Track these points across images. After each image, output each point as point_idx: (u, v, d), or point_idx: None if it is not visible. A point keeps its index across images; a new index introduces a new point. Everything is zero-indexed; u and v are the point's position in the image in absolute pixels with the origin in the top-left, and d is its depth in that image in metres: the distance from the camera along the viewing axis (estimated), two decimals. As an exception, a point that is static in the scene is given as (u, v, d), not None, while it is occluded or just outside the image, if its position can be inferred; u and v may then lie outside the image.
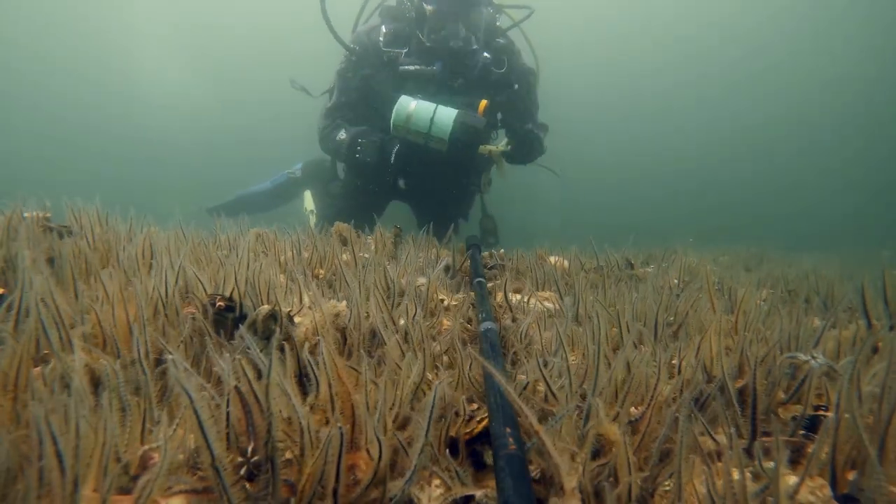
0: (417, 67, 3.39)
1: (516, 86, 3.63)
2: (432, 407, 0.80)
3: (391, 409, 0.92)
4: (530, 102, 3.78)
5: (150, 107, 20.45)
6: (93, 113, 21.91)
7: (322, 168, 4.37)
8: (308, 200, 4.64)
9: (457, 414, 0.94)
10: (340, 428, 0.72)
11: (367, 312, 1.31)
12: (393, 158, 3.14)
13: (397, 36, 3.50)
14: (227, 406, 0.80)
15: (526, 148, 3.42)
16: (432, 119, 2.89)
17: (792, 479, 0.81)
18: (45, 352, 1.03)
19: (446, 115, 2.91)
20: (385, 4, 3.79)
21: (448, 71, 3.41)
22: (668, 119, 25.00)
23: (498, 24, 3.74)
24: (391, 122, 2.90)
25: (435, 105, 2.92)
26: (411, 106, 2.88)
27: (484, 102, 3.17)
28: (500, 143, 3.53)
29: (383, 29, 3.50)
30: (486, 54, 3.50)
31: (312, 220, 4.35)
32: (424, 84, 3.42)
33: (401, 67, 3.42)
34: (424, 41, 3.39)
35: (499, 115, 3.80)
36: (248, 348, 0.90)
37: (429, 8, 3.32)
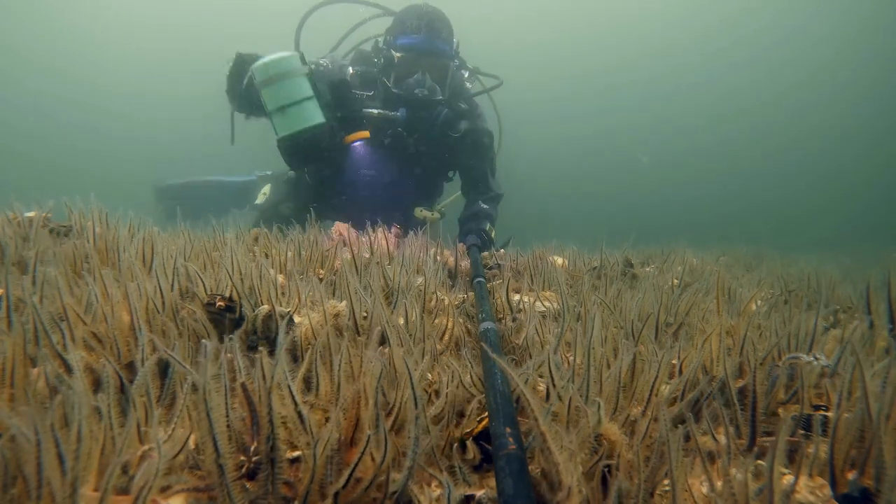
0: (381, 112, 3.47)
1: (470, 149, 3.71)
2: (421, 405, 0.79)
3: (392, 408, 0.92)
4: (485, 166, 3.83)
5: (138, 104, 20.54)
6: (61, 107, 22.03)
7: (282, 184, 4.34)
8: (266, 191, 4.53)
9: (459, 414, 0.94)
10: (346, 437, 0.72)
11: (367, 312, 1.31)
12: (348, 164, 3.28)
13: (364, 79, 3.60)
14: (228, 401, 0.80)
15: (475, 221, 3.51)
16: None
17: (792, 479, 0.81)
18: (45, 351, 1.02)
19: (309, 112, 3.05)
20: (359, 48, 3.90)
21: (410, 118, 3.50)
22: (668, 121, 25.00)
23: (469, 86, 3.81)
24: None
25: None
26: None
27: (427, 213, 3.49)
28: (437, 208, 3.80)
29: (350, 70, 3.60)
30: (446, 110, 3.60)
31: (259, 200, 4.32)
32: (384, 127, 3.51)
33: (364, 110, 3.49)
34: (391, 87, 3.47)
35: (450, 174, 3.94)
36: (250, 347, 0.90)
37: (397, 55, 3.43)
